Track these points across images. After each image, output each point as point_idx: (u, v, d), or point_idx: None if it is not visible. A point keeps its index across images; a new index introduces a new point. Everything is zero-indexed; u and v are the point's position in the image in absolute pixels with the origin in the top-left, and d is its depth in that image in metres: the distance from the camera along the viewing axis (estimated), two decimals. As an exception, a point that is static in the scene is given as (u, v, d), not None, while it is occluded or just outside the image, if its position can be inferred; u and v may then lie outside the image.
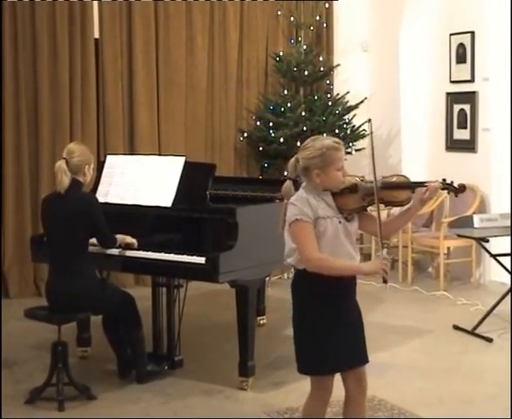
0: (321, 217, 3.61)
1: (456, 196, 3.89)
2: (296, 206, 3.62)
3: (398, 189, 3.77)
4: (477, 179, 8.07)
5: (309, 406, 3.86)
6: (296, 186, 3.74)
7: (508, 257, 6.68)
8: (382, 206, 3.76)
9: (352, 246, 3.72)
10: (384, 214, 3.87)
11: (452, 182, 3.81)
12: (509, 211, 6.78)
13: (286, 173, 8.35)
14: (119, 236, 5.20)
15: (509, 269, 6.66)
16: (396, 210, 3.99)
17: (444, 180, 3.79)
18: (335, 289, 3.65)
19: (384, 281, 3.68)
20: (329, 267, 3.59)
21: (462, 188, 3.81)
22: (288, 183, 3.74)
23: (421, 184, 3.77)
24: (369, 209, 3.80)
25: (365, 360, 3.80)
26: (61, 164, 5.02)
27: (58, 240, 5.07)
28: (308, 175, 3.66)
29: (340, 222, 3.66)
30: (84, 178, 5.10)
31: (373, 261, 3.72)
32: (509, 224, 6.50)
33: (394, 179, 3.83)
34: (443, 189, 3.80)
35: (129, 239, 5.25)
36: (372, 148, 3.77)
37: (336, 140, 3.75)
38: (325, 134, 8.41)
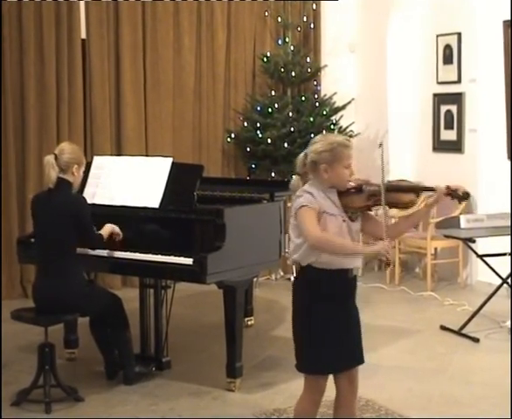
0: (326, 213, 3.63)
1: (460, 203, 3.89)
2: (303, 196, 3.65)
3: (403, 192, 3.80)
4: (464, 180, 7.95)
5: (301, 406, 3.87)
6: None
7: (495, 258, 6.70)
8: (386, 208, 3.77)
9: None
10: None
11: (456, 189, 3.82)
12: (496, 212, 6.78)
13: (273, 173, 8.43)
14: (103, 232, 5.18)
15: (501, 269, 6.69)
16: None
17: (448, 186, 3.80)
18: (337, 288, 3.67)
19: (387, 264, 3.63)
20: (333, 244, 3.58)
21: (466, 195, 3.81)
22: (296, 178, 3.78)
23: (426, 188, 3.79)
24: (373, 209, 3.82)
25: (362, 360, 3.82)
26: (50, 159, 5.03)
27: (47, 240, 5.06)
28: (316, 170, 3.69)
29: (344, 220, 3.69)
30: (73, 178, 5.09)
31: (378, 244, 3.65)
32: (496, 225, 6.52)
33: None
34: (447, 196, 3.79)
35: (112, 229, 5.21)
36: (382, 162, 3.76)
37: (347, 138, 3.81)
38: (312, 135, 8.45)
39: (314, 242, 3.58)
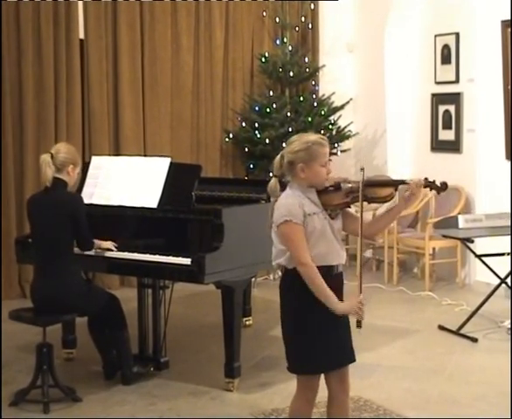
0: (308, 214, 3.63)
1: (438, 194, 3.91)
2: (284, 206, 3.64)
3: (381, 186, 3.81)
4: (462, 179, 8.09)
5: (295, 406, 3.87)
6: (282, 187, 3.75)
7: (493, 258, 6.70)
8: (365, 204, 3.77)
9: (338, 242, 3.75)
10: (369, 215, 3.88)
11: (434, 181, 3.84)
12: (494, 212, 6.79)
13: (271, 174, 8.42)
14: (96, 241, 5.19)
15: (499, 269, 6.69)
16: (382, 210, 4.00)
17: (426, 178, 3.81)
18: None
19: (358, 324, 3.66)
20: (314, 281, 3.60)
21: (444, 186, 3.83)
22: (274, 181, 3.76)
23: (403, 182, 3.80)
24: (353, 207, 3.82)
25: (353, 359, 3.82)
26: (46, 157, 5.04)
27: (44, 240, 5.05)
28: (293, 170, 3.69)
29: (325, 218, 3.69)
30: (68, 178, 5.09)
31: (349, 303, 3.68)
32: (494, 225, 6.52)
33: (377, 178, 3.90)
34: (425, 187, 3.82)
35: (105, 245, 5.24)
36: (362, 182, 3.77)
37: (321, 136, 3.80)
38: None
39: (301, 269, 3.61)
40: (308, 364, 3.73)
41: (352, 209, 3.87)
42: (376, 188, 3.80)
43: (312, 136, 3.75)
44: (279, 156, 3.75)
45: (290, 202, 3.64)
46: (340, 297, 3.76)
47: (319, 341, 3.69)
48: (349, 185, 3.76)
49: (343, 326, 3.77)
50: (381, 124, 9.17)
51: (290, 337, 3.77)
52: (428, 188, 3.85)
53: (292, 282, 3.71)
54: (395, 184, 3.80)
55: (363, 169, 3.76)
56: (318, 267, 3.63)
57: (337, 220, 3.76)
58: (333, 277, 3.71)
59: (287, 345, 3.79)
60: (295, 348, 3.75)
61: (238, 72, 9.00)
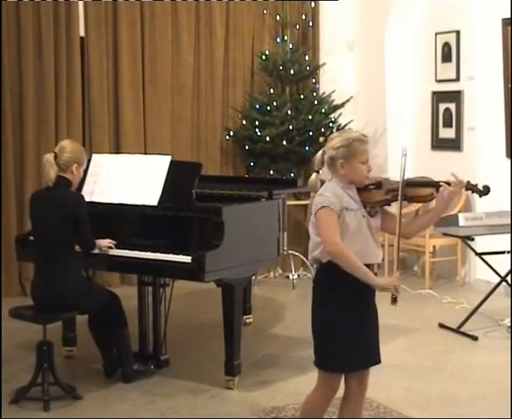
0: (346, 208, 3.65)
1: (480, 197, 3.93)
2: (323, 196, 3.66)
3: (422, 187, 3.84)
4: (462, 177, 7.99)
5: (312, 401, 3.87)
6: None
7: (493, 256, 6.69)
8: (405, 203, 3.79)
9: (375, 241, 3.76)
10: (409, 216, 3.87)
11: (476, 184, 3.85)
12: (495, 210, 6.78)
13: (271, 171, 8.43)
14: (98, 242, 5.18)
15: (499, 267, 6.69)
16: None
17: (468, 181, 3.83)
18: (357, 286, 3.65)
19: (394, 300, 3.65)
20: (347, 259, 3.58)
21: (486, 190, 3.85)
22: (314, 176, 3.78)
23: (444, 182, 3.79)
24: (393, 205, 3.83)
25: (377, 360, 3.84)
26: (49, 157, 5.02)
27: (45, 238, 5.05)
28: (334, 166, 3.72)
29: (363, 215, 3.70)
30: (72, 176, 5.07)
31: (387, 277, 3.73)
32: (495, 223, 6.52)
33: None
34: (467, 190, 3.85)
35: (105, 244, 5.23)
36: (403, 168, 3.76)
37: (363, 133, 3.81)
38: (311, 133, 8.46)
39: (329, 249, 3.60)
40: (334, 362, 3.74)
41: (391, 209, 3.87)
42: (417, 187, 3.82)
43: (353, 133, 3.78)
44: (320, 152, 3.78)
45: (328, 193, 3.66)
46: (373, 297, 3.78)
47: (345, 340, 3.69)
48: (390, 182, 3.79)
49: (372, 327, 3.79)
50: (381, 122, 9.16)
51: (318, 332, 3.78)
52: (470, 191, 3.88)
53: (325, 276, 3.72)
54: (436, 185, 3.81)
55: (405, 154, 3.76)
56: None
57: (376, 218, 3.78)
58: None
59: (316, 340, 3.80)
60: (322, 344, 3.76)
61: (239, 70, 9.00)
